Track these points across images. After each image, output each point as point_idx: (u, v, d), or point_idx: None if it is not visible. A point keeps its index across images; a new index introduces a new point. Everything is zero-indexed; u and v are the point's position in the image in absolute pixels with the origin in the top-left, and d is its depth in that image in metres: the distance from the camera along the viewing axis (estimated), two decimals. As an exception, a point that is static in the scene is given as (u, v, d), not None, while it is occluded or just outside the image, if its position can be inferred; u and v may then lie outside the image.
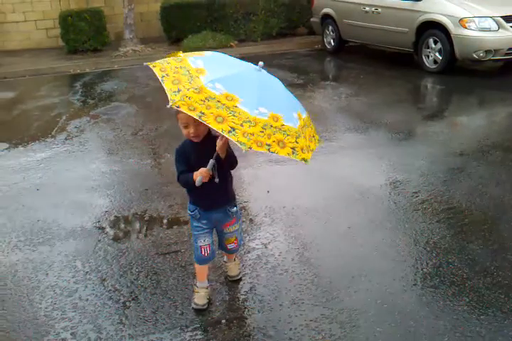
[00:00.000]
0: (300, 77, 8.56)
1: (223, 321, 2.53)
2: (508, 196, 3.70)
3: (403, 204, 3.68)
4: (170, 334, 2.46)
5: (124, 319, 2.59)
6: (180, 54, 2.34)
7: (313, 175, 4.34)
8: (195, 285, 2.71)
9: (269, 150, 2.02)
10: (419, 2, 8.10)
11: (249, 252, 3.15)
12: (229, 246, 2.73)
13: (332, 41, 10.81)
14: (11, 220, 3.79)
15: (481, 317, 2.45)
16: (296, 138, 2.12)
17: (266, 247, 3.21)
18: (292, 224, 3.49)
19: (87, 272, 3.04)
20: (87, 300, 2.77)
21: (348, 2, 9.81)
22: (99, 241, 3.41)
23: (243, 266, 2.99)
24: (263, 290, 2.76)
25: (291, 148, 2.09)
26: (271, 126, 2.06)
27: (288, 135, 2.09)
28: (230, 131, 1.97)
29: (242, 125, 1.99)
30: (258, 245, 3.24)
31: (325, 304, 2.60)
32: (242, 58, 2.53)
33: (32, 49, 13.12)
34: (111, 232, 3.53)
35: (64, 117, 6.80)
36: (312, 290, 2.73)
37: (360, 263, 2.97)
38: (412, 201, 3.71)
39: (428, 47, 8.11)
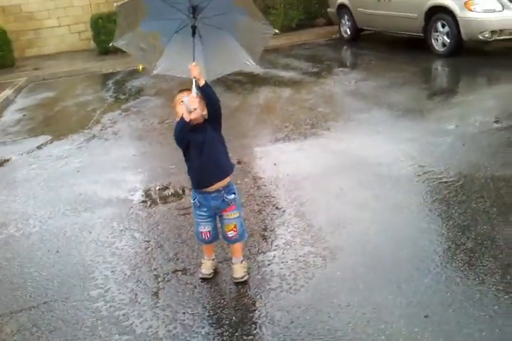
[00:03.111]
0: (315, 65, 9.08)
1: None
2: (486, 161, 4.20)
3: (390, 169, 4.21)
4: (189, 269, 3.09)
5: (152, 260, 3.25)
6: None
7: (315, 149, 4.92)
8: (203, 257, 3.04)
9: None
10: (425, -12, 8.49)
11: (253, 213, 3.75)
12: (229, 234, 2.85)
13: (348, 30, 11.25)
14: (58, 194, 4.52)
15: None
16: None
17: (268, 206, 3.82)
18: (293, 188, 4.08)
19: (121, 230, 3.72)
20: (123, 249, 3.45)
21: (361, -9, 10.26)
22: (131, 207, 4.09)
23: (251, 225, 3.54)
24: (261, 237, 3.38)
25: None
26: None
27: None
28: None
29: None
30: (262, 205, 3.85)
31: (312, 244, 3.20)
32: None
33: (66, 52, 14.02)
34: (141, 200, 4.20)
35: (98, 111, 7.54)
36: (303, 235, 3.32)
37: (346, 214, 3.55)
38: (398, 166, 4.24)
39: (436, 31, 8.45)
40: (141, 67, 2.97)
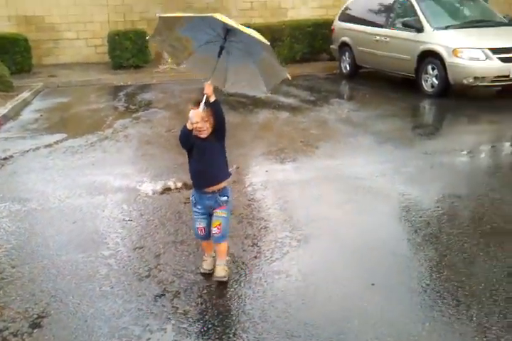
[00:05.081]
0: (313, 94, 9.86)
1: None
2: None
3: (365, 182, 4.89)
4: (186, 241, 3.72)
5: (155, 233, 3.88)
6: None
7: (303, 162, 5.61)
8: (203, 255, 3.34)
9: None
10: (420, 33, 9.37)
11: (243, 206, 4.39)
12: (213, 230, 3.11)
13: (348, 66, 12.10)
14: (74, 181, 5.14)
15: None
16: None
17: (258, 201, 4.47)
18: (280, 189, 4.75)
19: (130, 210, 4.35)
20: (131, 224, 4.07)
21: (362, 32, 11.15)
22: (139, 194, 4.73)
23: (240, 214, 4.19)
24: (248, 223, 4.02)
25: None
26: None
27: None
28: None
29: None
30: (251, 201, 4.50)
31: (291, 231, 3.85)
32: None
33: (81, 63, 14.82)
34: (147, 190, 4.85)
35: (110, 118, 8.21)
36: (283, 224, 3.98)
37: (323, 212, 4.20)
38: (372, 181, 4.92)
39: (427, 73, 9.27)
40: (170, 60, 3.54)
